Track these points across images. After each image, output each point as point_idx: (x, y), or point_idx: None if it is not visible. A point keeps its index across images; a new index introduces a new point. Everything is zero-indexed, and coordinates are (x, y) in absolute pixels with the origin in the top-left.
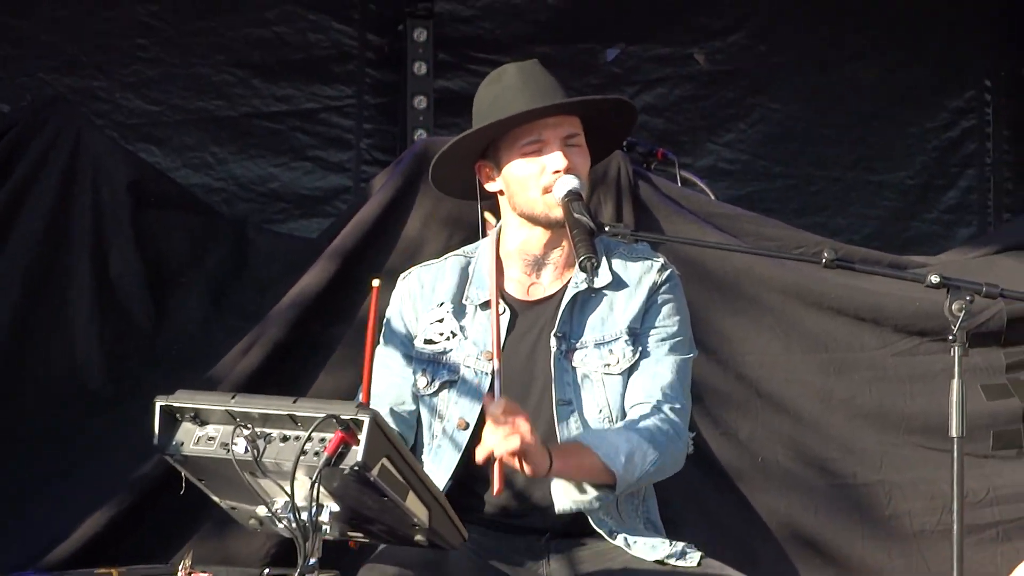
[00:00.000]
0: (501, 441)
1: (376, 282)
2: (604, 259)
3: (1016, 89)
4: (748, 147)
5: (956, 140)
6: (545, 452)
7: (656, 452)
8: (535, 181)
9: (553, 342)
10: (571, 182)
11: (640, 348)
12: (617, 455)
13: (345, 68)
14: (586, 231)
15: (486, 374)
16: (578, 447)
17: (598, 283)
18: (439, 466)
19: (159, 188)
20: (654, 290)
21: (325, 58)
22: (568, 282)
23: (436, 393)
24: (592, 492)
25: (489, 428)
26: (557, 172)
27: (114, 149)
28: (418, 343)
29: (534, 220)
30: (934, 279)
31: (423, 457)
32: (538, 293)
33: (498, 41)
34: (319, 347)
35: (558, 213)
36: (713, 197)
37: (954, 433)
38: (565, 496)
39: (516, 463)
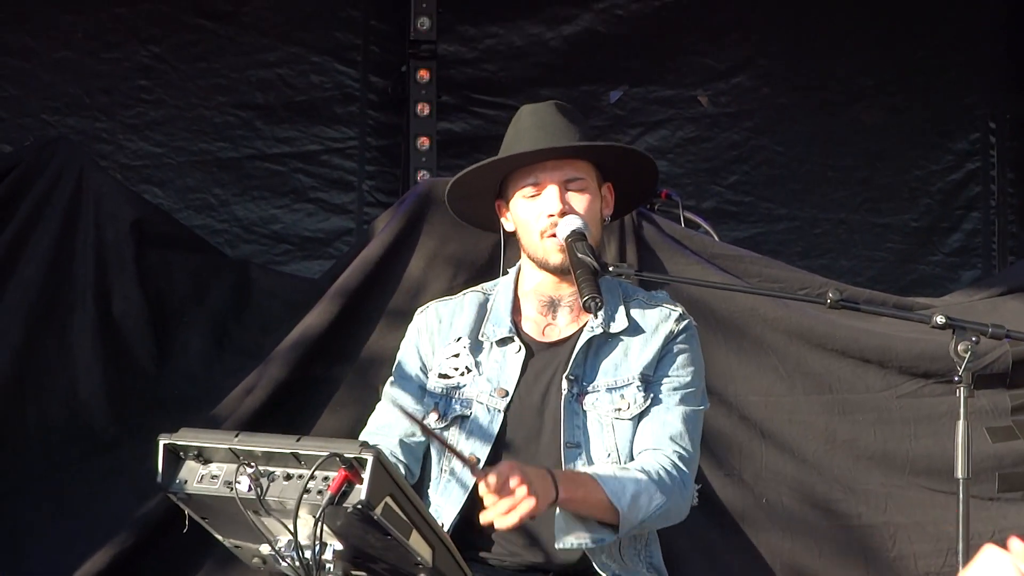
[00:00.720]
0: (502, 517)
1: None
2: (621, 305)
3: (1020, 132)
4: (752, 189)
5: (960, 183)
6: (550, 485)
7: (663, 497)
8: (534, 224)
9: (565, 384)
10: (574, 222)
11: (652, 395)
12: (624, 493)
13: (347, 110)
14: (590, 271)
15: (499, 411)
16: (585, 479)
17: (614, 328)
18: (447, 501)
19: (162, 228)
20: (670, 339)
21: (328, 100)
22: (584, 325)
23: (447, 428)
24: (593, 531)
25: (488, 501)
26: (551, 216)
27: (117, 189)
28: (432, 377)
29: (537, 264)
30: (939, 320)
31: (430, 492)
32: (553, 335)
33: (501, 83)
34: (322, 386)
35: (557, 259)
36: (716, 238)
37: (960, 474)
38: (566, 532)
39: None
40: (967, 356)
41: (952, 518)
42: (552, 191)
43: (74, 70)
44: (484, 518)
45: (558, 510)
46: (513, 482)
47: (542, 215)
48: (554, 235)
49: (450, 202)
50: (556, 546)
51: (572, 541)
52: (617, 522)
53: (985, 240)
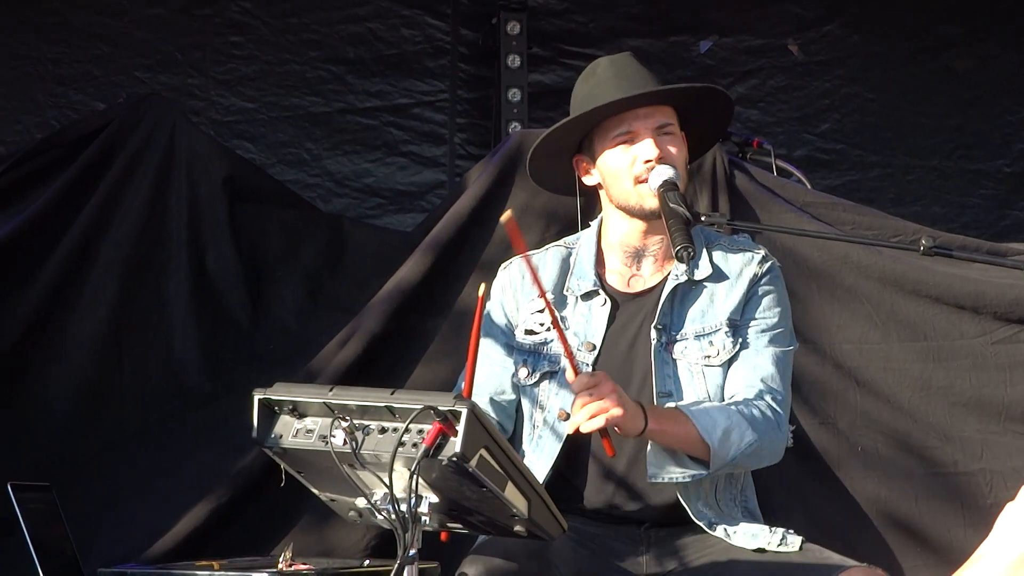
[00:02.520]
0: (587, 419)
1: (482, 289)
2: (704, 251)
3: None
4: (843, 137)
5: None
6: (640, 412)
7: (755, 434)
8: (627, 172)
9: (653, 334)
10: (666, 172)
11: (740, 339)
12: (715, 428)
13: (438, 63)
14: (682, 221)
15: (587, 364)
16: (675, 413)
17: (698, 275)
18: (540, 456)
19: (254, 183)
20: (755, 282)
21: (418, 53)
22: (668, 274)
23: (537, 384)
24: (686, 467)
25: (576, 405)
26: (649, 162)
27: (209, 145)
28: (519, 333)
29: (630, 211)
30: None
31: (524, 447)
32: (639, 285)
33: (591, 34)
34: (415, 339)
35: (652, 203)
36: (809, 186)
37: None
38: (659, 467)
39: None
40: None
41: None
42: (647, 137)
43: (166, 27)
44: (571, 424)
45: (650, 444)
46: (605, 387)
47: (637, 161)
48: (646, 180)
49: (531, 160)
50: (649, 481)
51: (665, 476)
52: (709, 458)
53: None
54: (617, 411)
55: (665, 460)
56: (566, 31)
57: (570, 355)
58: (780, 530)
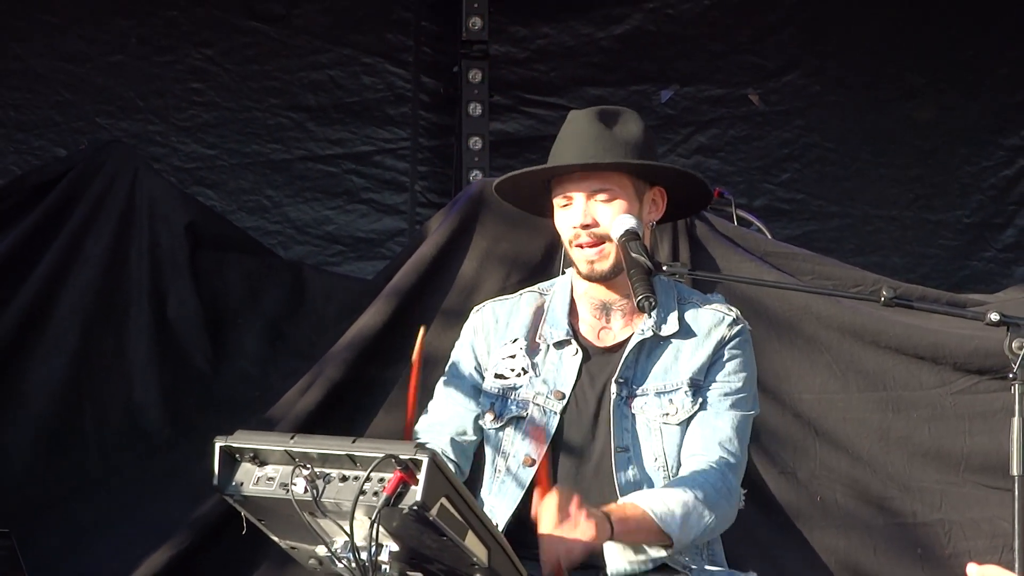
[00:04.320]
0: (564, 555)
1: (422, 332)
2: (676, 308)
3: None
4: (804, 186)
5: (1012, 179)
6: (606, 523)
7: (711, 514)
8: (565, 234)
9: (614, 388)
10: (627, 222)
11: (701, 400)
12: (674, 519)
13: (399, 111)
14: (644, 271)
15: (555, 413)
16: (636, 512)
17: (665, 331)
18: (502, 502)
19: (215, 230)
20: (722, 344)
21: (379, 101)
22: (635, 331)
23: (502, 428)
24: (647, 553)
25: (547, 541)
26: (575, 228)
27: (171, 191)
28: (488, 377)
29: (579, 271)
30: (994, 316)
31: (483, 493)
32: (608, 339)
33: (552, 83)
34: (376, 387)
35: (584, 269)
36: (769, 236)
37: (1015, 471)
38: (620, 558)
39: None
40: (1022, 353)
41: (1008, 515)
42: (579, 203)
43: (127, 74)
44: (546, 559)
45: (606, 547)
46: (568, 523)
47: (569, 226)
48: (578, 247)
49: (502, 195)
50: (609, 572)
51: (626, 566)
52: (670, 543)
53: None
54: (589, 528)
55: (627, 552)
56: (527, 80)
57: (544, 475)
58: (754, 574)
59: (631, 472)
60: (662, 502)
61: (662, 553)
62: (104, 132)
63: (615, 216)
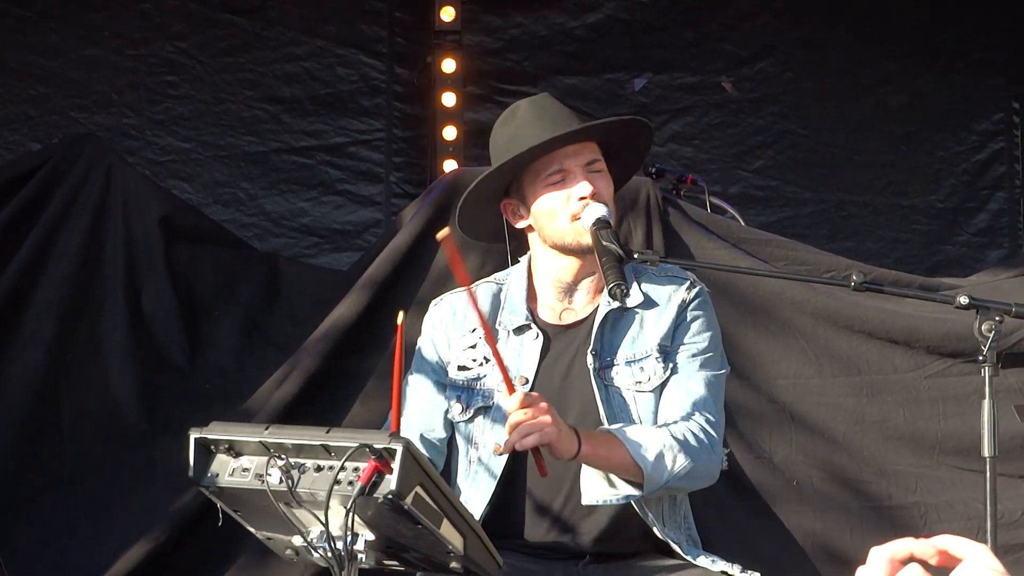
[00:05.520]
0: (522, 437)
1: (401, 316)
2: (634, 280)
3: None
4: (777, 173)
5: (985, 163)
6: (573, 435)
7: (688, 459)
8: (563, 210)
9: (590, 359)
10: (599, 210)
11: (671, 365)
12: (647, 452)
13: (374, 102)
14: (615, 258)
15: None
16: (609, 437)
17: (629, 303)
18: (476, 492)
19: (190, 222)
20: (683, 307)
21: (354, 92)
22: (599, 304)
23: (471, 420)
24: (620, 488)
25: (510, 421)
26: (583, 199)
27: (145, 184)
28: (451, 370)
29: (566, 249)
30: (963, 300)
31: (459, 483)
32: (570, 318)
33: (526, 72)
34: (352, 378)
35: (589, 239)
36: (743, 223)
37: (986, 453)
38: (593, 490)
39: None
40: (992, 335)
41: (982, 496)
42: (579, 174)
43: (101, 67)
44: (507, 442)
45: (583, 468)
46: (540, 406)
47: (572, 199)
48: (582, 218)
49: (461, 211)
50: (583, 502)
51: (599, 498)
52: (643, 480)
53: (1011, 220)
54: (551, 430)
55: (598, 482)
56: (501, 69)
57: (507, 377)
58: (738, 566)
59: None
60: (637, 435)
61: (635, 492)
62: (78, 126)
63: (606, 185)
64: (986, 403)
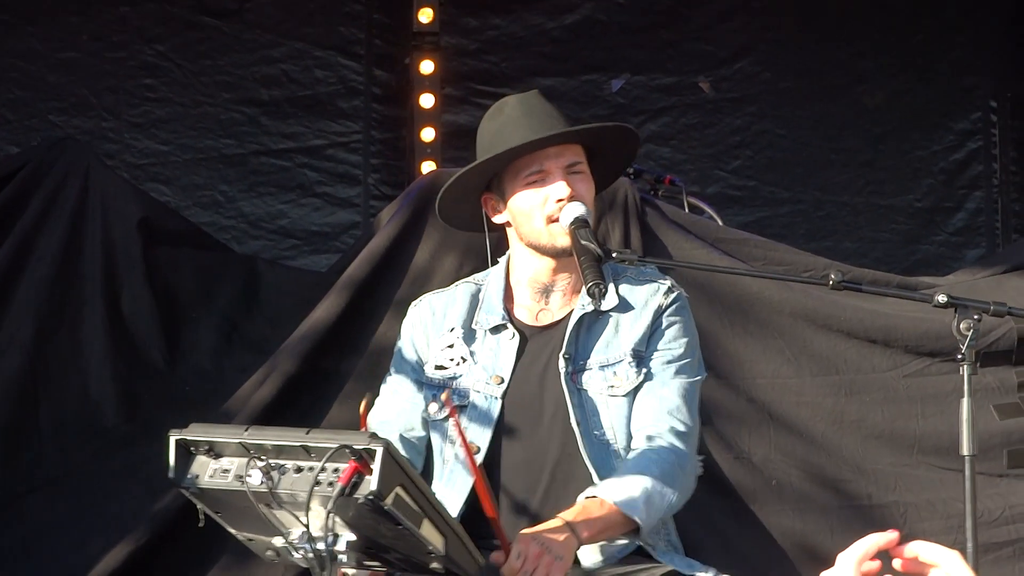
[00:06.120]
0: None
1: (364, 403)
2: (612, 283)
3: (1022, 110)
4: (755, 173)
5: (963, 162)
6: (571, 538)
7: (672, 490)
8: (539, 211)
9: (562, 363)
10: (577, 209)
11: (645, 370)
12: (637, 505)
13: (352, 104)
14: (593, 258)
15: (496, 398)
16: (598, 507)
17: (605, 305)
18: (452, 491)
19: (169, 225)
20: (659, 312)
21: (332, 94)
22: (576, 306)
23: (447, 418)
24: (616, 543)
25: None
26: (560, 201)
27: (124, 187)
28: (428, 369)
29: (541, 250)
30: (941, 298)
31: (436, 483)
32: (547, 319)
33: (503, 74)
34: (331, 379)
35: (564, 242)
36: (720, 223)
37: (965, 451)
38: (593, 552)
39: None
40: (969, 334)
41: (961, 495)
42: (558, 177)
43: (79, 70)
44: None
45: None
46: (531, 559)
47: (549, 200)
48: (558, 219)
49: (441, 200)
50: (583, 567)
51: (599, 559)
52: (637, 528)
53: (988, 219)
54: (560, 569)
55: (595, 548)
56: (479, 71)
57: (487, 498)
58: (713, 570)
59: (582, 446)
60: (622, 490)
61: (629, 540)
62: (57, 129)
63: (587, 188)
64: (965, 402)
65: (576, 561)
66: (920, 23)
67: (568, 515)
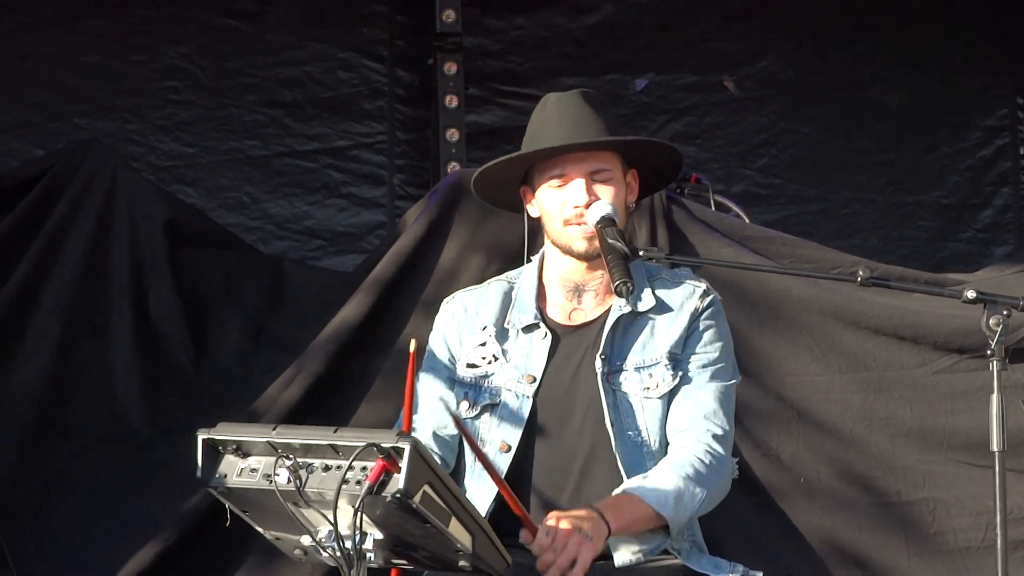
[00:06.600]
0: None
1: (413, 344)
2: (647, 285)
3: None
4: (780, 171)
5: (990, 159)
6: (601, 524)
7: (703, 489)
8: (558, 213)
9: (599, 363)
10: (603, 208)
11: (681, 373)
12: (667, 501)
13: (376, 105)
14: (621, 256)
15: (527, 397)
16: (628, 500)
17: (641, 307)
18: (482, 489)
19: (195, 226)
20: (696, 316)
21: (355, 95)
22: (610, 307)
23: (478, 416)
24: (647, 540)
25: (543, 560)
26: (578, 207)
27: (149, 189)
28: (460, 367)
29: (562, 250)
30: (970, 294)
31: (466, 481)
32: (580, 318)
33: (527, 74)
34: (358, 379)
35: (581, 246)
36: (747, 220)
37: (995, 447)
38: (625, 551)
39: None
40: (999, 330)
41: (991, 492)
42: (578, 182)
43: (103, 74)
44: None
45: (609, 541)
46: (560, 539)
47: (568, 205)
48: (578, 224)
49: (476, 190)
50: (616, 564)
51: (630, 558)
52: (667, 525)
53: (1016, 215)
54: (586, 552)
55: (628, 543)
56: (502, 71)
57: (514, 504)
58: (740, 567)
59: (615, 446)
60: (653, 485)
61: (661, 538)
62: (82, 132)
63: (612, 196)
64: (994, 398)
65: (609, 555)
66: (940, 21)
67: (599, 505)
